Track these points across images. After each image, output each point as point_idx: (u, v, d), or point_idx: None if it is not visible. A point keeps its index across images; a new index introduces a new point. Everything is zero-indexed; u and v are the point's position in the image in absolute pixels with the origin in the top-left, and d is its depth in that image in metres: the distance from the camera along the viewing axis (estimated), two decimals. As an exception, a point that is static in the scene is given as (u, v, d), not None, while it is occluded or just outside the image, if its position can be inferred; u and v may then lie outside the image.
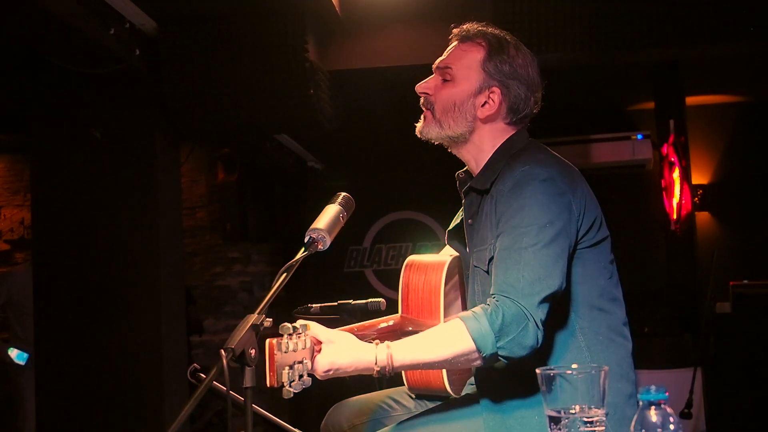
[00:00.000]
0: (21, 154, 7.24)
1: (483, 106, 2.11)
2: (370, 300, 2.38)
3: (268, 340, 1.68)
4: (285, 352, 1.68)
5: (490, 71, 2.10)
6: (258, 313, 1.70)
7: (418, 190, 6.73)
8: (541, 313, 1.86)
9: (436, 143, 2.20)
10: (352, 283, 6.79)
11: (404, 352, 1.85)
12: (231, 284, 7.44)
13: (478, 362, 1.86)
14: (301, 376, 1.71)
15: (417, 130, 2.19)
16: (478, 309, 1.87)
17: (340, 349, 1.82)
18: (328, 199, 2.07)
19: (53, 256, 4.60)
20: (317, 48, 4.50)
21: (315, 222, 1.97)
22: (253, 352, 1.63)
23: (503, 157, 2.11)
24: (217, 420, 6.27)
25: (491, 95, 2.11)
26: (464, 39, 2.15)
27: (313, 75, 4.29)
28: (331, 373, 1.81)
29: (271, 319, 1.70)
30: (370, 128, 6.21)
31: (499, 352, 1.84)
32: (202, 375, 2.11)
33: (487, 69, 2.11)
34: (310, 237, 1.94)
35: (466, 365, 1.90)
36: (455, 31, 2.19)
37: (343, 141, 6.09)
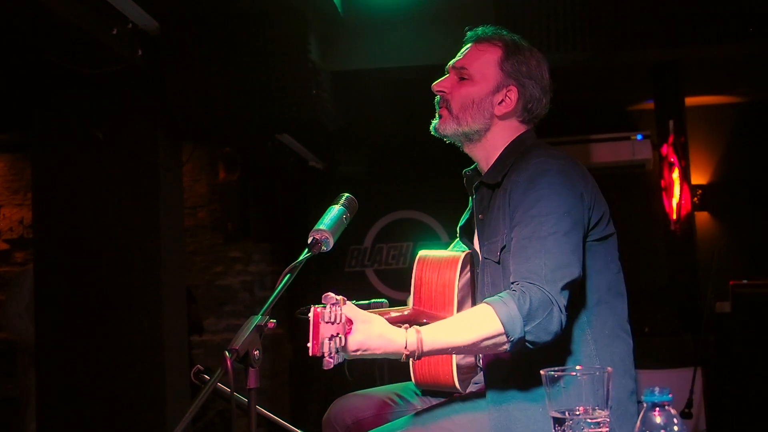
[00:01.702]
0: (21, 153, 7.25)
1: (500, 103, 2.17)
2: (373, 300, 2.38)
3: (313, 308, 1.71)
4: (327, 323, 1.70)
5: (508, 70, 2.16)
6: (262, 315, 1.71)
7: (419, 190, 6.73)
8: (563, 299, 1.89)
9: (448, 141, 2.24)
10: (353, 283, 6.78)
11: (433, 335, 1.85)
12: (232, 284, 7.44)
13: (505, 347, 1.87)
14: (338, 350, 1.72)
15: (433, 126, 2.23)
16: (504, 294, 1.89)
17: (371, 331, 1.82)
18: (330, 199, 2.07)
19: (54, 255, 4.60)
20: (319, 48, 4.50)
21: (318, 223, 1.98)
22: (257, 353, 1.64)
23: (514, 152, 2.16)
24: (219, 420, 6.28)
25: (508, 93, 2.16)
26: (480, 40, 2.20)
27: (315, 75, 4.29)
28: (359, 353, 1.81)
29: (275, 321, 1.71)
30: (372, 128, 6.21)
31: (527, 337, 1.86)
32: (206, 376, 2.12)
33: (504, 68, 2.16)
34: (314, 238, 1.95)
35: (492, 350, 1.91)
36: (470, 33, 2.24)
37: (345, 140, 6.10)
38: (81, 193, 4.58)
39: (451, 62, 2.24)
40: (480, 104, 2.16)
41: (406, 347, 1.83)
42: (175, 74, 4.32)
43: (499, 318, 1.84)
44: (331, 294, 1.74)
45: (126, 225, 4.52)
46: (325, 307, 1.71)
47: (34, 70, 4.45)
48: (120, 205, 4.53)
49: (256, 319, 1.68)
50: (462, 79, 2.19)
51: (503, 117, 2.18)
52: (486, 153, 2.21)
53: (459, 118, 2.17)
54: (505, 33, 2.22)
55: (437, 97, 2.24)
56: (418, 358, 1.86)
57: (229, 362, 1.56)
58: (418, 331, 1.85)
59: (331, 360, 1.70)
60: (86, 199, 4.57)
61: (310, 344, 1.70)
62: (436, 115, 2.23)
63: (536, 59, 2.20)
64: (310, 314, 1.71)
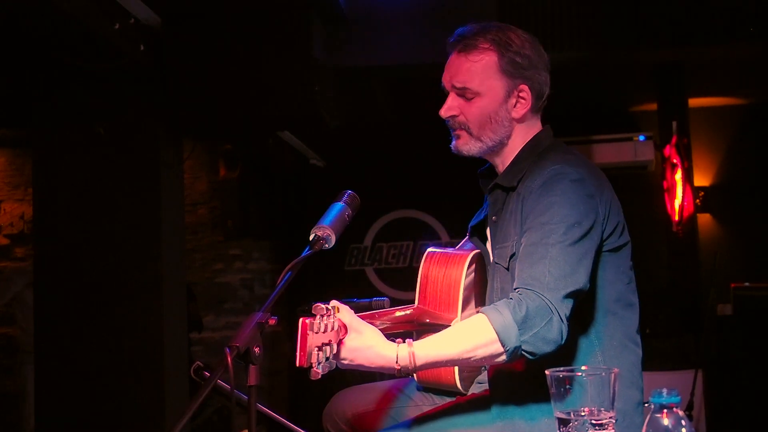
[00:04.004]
0: (22, 149, 7.23)
1: (516, 106, 2.09)
2: (374, 298, 2.36)
3: (301, 319, 1.66)
4: (316, 333, 1.66)
5: (511, 71, 2.06)
6: (263, 311, 1.68)
7: (420, 189, 6.72)
8: (566, 309, 1.84)
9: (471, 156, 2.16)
10: (353, 282, 6.78)
11: (426, 349, 1.81)
12: (231, 281, 7.43)
13: (502, 357, 1.82)
14: (327, 358, 1.69)
15: (453, 147, 2.14)
16: (500, 303, 1.85)
17: (364, 343, 1.79)
18: (330, 197, 2.05)
19: (54, 251, 4.59)
20: (322, 45, 4.48)
21: (320, 219, 1.95)
22: (257, 349, 1.62)
23: (530, 155, 2.10)
24: (217, 418, 6.26)
25: (521, 94, 2.08)
26: (469, 48, 2.08)
27: (318, 72, 4.28)
28: (346, 362, 1.79)
29: (276, 317, 1.69)
30: (373, 126, 6.20)
31: (523, 347, 1.80)
32: (206, 373, 2.10)
33: (507, 71, 2.06)
34: (315, 235, 1.92)
35: (489, 362, 1.86)
36: (452, 42, 2.12)
37: (345, 139, 6.08)
38: (81, 188, 4.56)
39: (444, 77, 2.13)
40: (496, 117, 2.07)
41: (397, 362, 1.79)
42: (177, 70, 4.30)
43: (493, 327, 1.79)
44: (321, 304, 1.70)
45: (126, 221, 4.50)
46: (314, 317, 1.68)
47: (35, 65, 4.43)
48: (120, 201, 4.52)
49: (257, 316, 1.66)
50: (468, 98, 2.08)
51: (523, 117, 2.10)
52: (504, 157, 2.15)
53: (481, 137, 2.09)
54: (486, 29, 2.09)
55: (450, 121, 2.13)
56: (412, 373, 1.83)
57: (229, 358, 1.54)
58: (410, 345, 1.81)
59: (319, 371, 1.66)
60: (86, 195, 4.55)
61: (297, 355, 1.65)
62: (453, 136, 2.13)
63: (528, 41, 2.08)
64: (299, 324, 1.66)
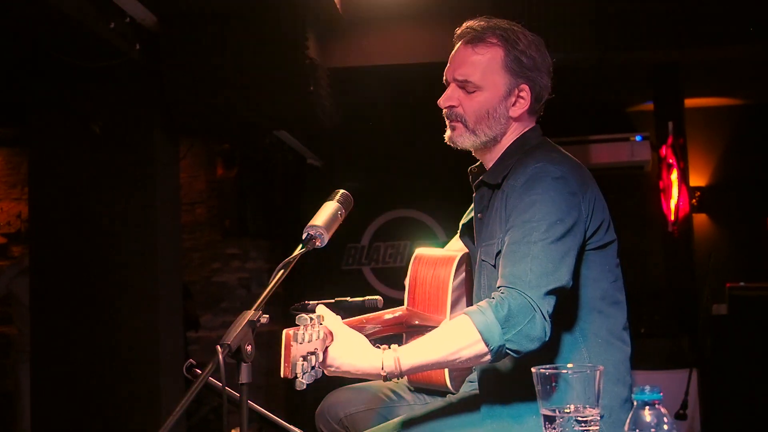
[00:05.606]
0: (19, 147, 7.24)
1: (514, 105, 2.08)
2: (367, 297, 2.37)
3: (285, 331, 1.67)
4: (300, 343, 1.68)
5: (515, 69, 2.06)
6: (255, 309, 1.69)
7: (417, 188, 6.73)
8: (548, 305, 1.84)
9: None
10: (350, 281, 6.78)
11: (411, 354, 1.82)
12: (229, 280, 7.43)
13: (487, 357, 1.82)
14: (313, 367, 1.71)
15: (447, 138, 2.13)
16: (483, 302, 1.86)
17: (349, 350, 1.80)
18: (327, 197, 2.06)
19: (50, 250, 4.60)
20: (318, 45, 4.50)
21: (313, 219, 1.96)
22: (249, 348, 1.62)
23: (516, 152, 2.09)
24: (213, 416, 6.27)
25: (520, 93, 2.07)
26: (476, 41, 2.08)
27: (314, 72, 4.29)
28: (332, 369, 1.80)
29: (267, 316, 1.70)
30: (370, 126, 6.21)
31: (507, 345, 1.81)
32: (198, 371, 2.10)
33: (510, 68, 2.06)
34: (308, 234, 1.92)
35: (475, 362, 1.87)
36: (459, 32, 2.11)
37: (343, 138, 6.10)
38: (77, 187, 4.57)
39: (447, 70, 2.12)
40: (494, 113, 2.07)
41: (383, 368, 1.80)
42: (173, 69, 4.32)
43: (476, 327, 1.80)
44: (305, 315, 1.71)
45: (122, 220, 4.52)
46: (298, 327, 1.68)
47: (31, 63, 4.44)
48: (117, 200, 4.53)
49: (249, 314, 1.67)
50: (468, 90, 2.07)
51: (520, 117, 2.10)
52: (494, 154, 2.14)
53: (476, 131, 2.08)
54: (495, 24, 2.09)
55: (447, 111, 2.12)
56: (399, 378, 1.84)
57: (221, 356, 1.55)
58: (395, 351, 1.82)
59: (304, 381, 1.67)
60: (83, 194, 4.57)
61: (281, 366, 1.66)
62: (449, 127, 2.13)
63: (534, 42, 2.09)
64: (283, 336, 1.67)
